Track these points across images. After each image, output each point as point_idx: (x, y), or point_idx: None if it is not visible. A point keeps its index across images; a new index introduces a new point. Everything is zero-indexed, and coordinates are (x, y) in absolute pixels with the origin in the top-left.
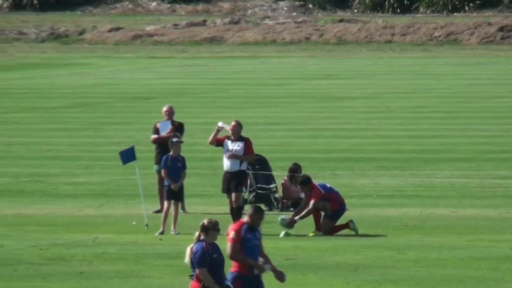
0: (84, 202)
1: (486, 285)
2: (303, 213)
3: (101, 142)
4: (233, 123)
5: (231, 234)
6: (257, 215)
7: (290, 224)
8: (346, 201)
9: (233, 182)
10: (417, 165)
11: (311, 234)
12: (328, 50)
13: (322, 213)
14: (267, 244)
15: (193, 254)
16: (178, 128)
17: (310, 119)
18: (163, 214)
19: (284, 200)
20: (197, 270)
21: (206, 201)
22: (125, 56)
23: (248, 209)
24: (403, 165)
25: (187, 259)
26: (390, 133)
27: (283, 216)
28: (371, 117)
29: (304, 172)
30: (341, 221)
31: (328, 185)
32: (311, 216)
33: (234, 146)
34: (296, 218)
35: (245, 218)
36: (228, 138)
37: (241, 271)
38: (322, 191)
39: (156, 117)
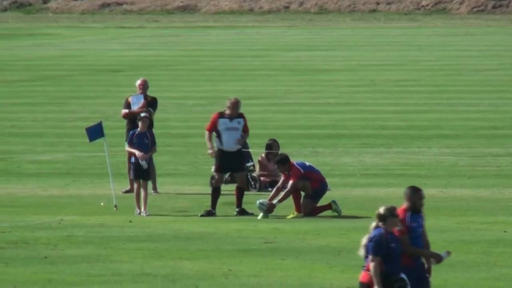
0: (48, 181)
1: (477, 270)
2: (281, 195)
3: (67, 117)
4: (233, 99)
5: (398, 226)
6: (417, 195)
7: (269, 209)
8: (328, 180)
9: (235, 161)
10: (403, 142)
11: (291, 216)
12: (309, 19)
13: (302, 193)
14: (244, 227)
15: (369, 240)
16: (151, 103)
17: (289, 93)
18: (135, 195)
19: (262, 179)
20: (369, 257)
21: (179, 180)
22: (92, 26)
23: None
24: (388, 142)
25: (362, 250)
26: (374, 108)
27: (261, 200)
28: (354, 91)
29: (283, 149)
30: (323, 201)
31: (308, 164)
32: (291, 197)
33: (234, 124)
34: (274, 202)
35: (404, 204)
36: (222, 116)
37: (404, 262)
38: (301, 170)
39: (126, 91)
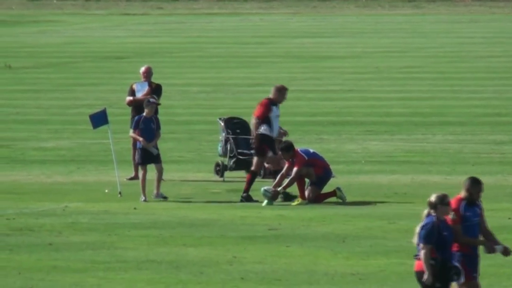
0: (53, 168)
1: (482, 257)
2: (286, 182)
3: (71, 104)
4: (279, 86)
5: (451, 215)
6: (476, 187)
7: (274, 196)
8: (332, 167)
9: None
10: (407, 129)
11: (295, 203)
12: (313, 6)
13: (307, 180)
14: (249, 214)
15: (421, 228)
16: (156, 90)
17: (294, 80)
18: (141, 181)
19: (267, 166)
20: (420, 246)
21: (184, 167)
22: (96, 13)
23: (227, 175)
24: (392, 129)
25: (415, 238)
26: (379, 95)
27: (266, 187)
28: (359, 77)
29: (288, 137)
30: (327, 188)
31: (312, 150)
32: (295, 184)
33: (279, 111)
34: (279, 189)
35: (461, 193)
36: (272, 103)
37: (462, 250)
38: (306, 157)
39: (130, 78)
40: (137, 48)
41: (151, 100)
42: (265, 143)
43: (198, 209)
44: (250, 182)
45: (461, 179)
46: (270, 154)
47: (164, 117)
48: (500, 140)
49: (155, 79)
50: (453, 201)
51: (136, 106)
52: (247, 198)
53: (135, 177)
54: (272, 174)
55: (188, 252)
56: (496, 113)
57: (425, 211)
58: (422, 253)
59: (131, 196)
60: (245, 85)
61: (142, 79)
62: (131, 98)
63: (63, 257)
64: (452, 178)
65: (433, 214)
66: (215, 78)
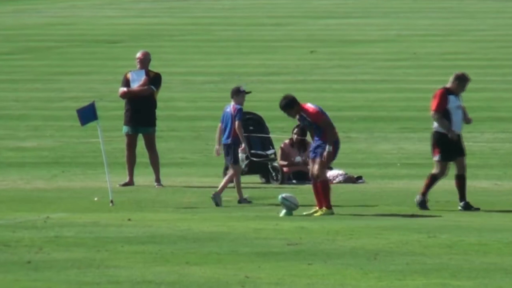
0: (33, 172)
1: None
2: (328, 141)
3: (55, 97)
4: (460, 73)
5: None
6: None
7: (330, 158)
8: (363, 171)
9: (461, 144)
10: None
11: (318, 213)
12: None
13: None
14: (264, 226)
15: None
16: (154, 80)
17: (317, 68)
18: (236, 183)
19: (285, 169)
20: None
21: (187, 171)
22: None
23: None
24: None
25: None
26: (416, 85)
27: (284, 194)
28: (393, 65)
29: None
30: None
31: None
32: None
33: (460, 102)
34: (328, 148)
35: None
36: (449, 92)
37: None
38: (317, 108)
39: (124, 65)
40: (132, 30)
41: (242, 88)
42: (438, 143)
43: (204, 220)
44: (462, 187)
45: None
46: (436, 157)
47: (163, 111)
48: None
49: (153, 67)
50: None
51: (132, 98)
52: (466, 207)
53: (130, 182)
54: (291, 179)
55: (192, 272)
56: None
57: None
58: None
59: (125, 205)
60: (260, 74)
61: (138, 67)
62: (125, 89)
63: (44, 277)
64: (503, 183)
65: None
66: (224, 65)
